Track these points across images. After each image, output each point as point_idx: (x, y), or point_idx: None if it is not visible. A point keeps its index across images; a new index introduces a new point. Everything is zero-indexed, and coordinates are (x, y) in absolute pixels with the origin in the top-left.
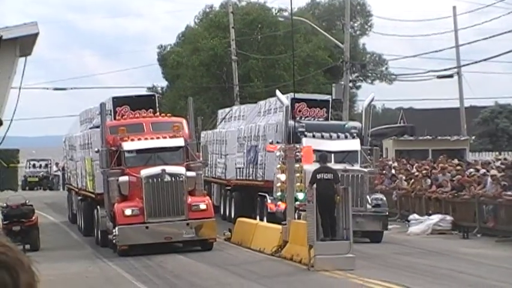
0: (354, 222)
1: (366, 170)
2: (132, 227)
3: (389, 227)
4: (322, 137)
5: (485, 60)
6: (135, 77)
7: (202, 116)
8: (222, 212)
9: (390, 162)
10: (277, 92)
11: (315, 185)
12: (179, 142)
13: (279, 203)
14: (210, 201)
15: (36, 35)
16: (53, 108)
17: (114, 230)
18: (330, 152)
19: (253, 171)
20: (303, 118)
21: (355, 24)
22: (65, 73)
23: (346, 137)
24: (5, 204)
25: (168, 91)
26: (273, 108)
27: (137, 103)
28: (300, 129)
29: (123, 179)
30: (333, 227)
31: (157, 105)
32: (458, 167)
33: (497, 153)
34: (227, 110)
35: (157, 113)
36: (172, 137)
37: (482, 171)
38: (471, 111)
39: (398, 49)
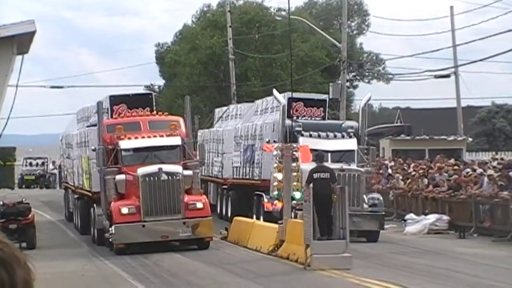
0: (350, 222)
1: (362, 169)
2: (129, 226)
3: (385, 226)
4: (319, 136)
5: (482, 60)
6: (132, 75)
7: (199, 114)
8: (218, 211)
9: (387, 162)
10: (274, 91)
11: (311, 184)
12: (176, 141)
13: (276, 202)
14: (206, 200)
15: (33, 33)
16: (50, 106)
17: (110, 229)
18: (327, 152)
19: (250, 170)
20: (299, 117)
21: (353, 24)
22: (62, 71)
23: (343, 137)
24: (1, 202)
25: (165, 90)
26: (270, 107)
27: (134, 102)
28: (297, 129)
29: (120, 177)
30: (330, 226)
31: (154, 103)
32: (456, 167)
33: (494, 153)
34: (224, 108)
35: (154, 112)
36: (169, 136)
37: (479, 171)
38: (468, 111)
39: (396, 49)
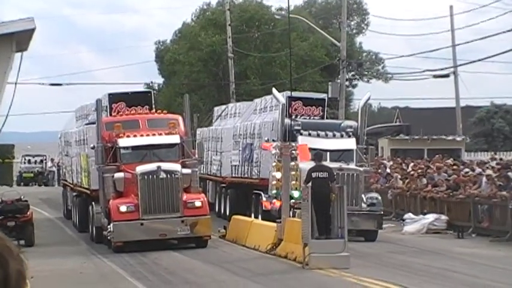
0: (348, 221)
1: (361, 168)
2: (127, 224)
3: (384, 226)
4: (318, 135)
5: (481, 60)
6: (131, 73)
7: (198, 113)
8: (217, 209)
9: (385, 161)
10: (274, 90)
11: (310, 184)
12: (175, 139)
13: (274, 200)
14: (205, 198)
15: (32, 30)
16: (48, 103)
17: (109, 227)
18: (326, 151)
19: (248, 168)
20: (298, 116)
21: (352, 23)
22: (61, 69)
23: (341, 136)
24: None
25: (164, 88)
26: (268, 106)
27: (133, 99)
28: (296, 128)
29: (119, 175)
30: (328, 225)
31: (153, 101)
32: (455, 167)
33: (492, 153)
34: (223, 107)
35: (153, 110)
36: (168, 134)
37: (478, 170)
38: (467, 111)
39: (395, 48)
